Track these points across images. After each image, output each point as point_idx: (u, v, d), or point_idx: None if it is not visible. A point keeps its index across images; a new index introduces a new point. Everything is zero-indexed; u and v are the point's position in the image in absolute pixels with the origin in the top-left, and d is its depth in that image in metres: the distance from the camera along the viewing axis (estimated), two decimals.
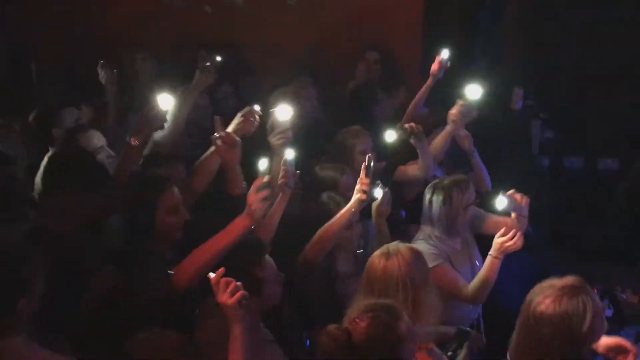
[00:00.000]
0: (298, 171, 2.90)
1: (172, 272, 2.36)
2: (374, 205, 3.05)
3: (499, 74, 4.87)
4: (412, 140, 3.52)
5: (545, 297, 1.99)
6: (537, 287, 2.06)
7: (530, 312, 2.02)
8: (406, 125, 3.50)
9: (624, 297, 4.71)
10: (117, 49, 4.78)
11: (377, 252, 2.40)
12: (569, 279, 2.03)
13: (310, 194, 3.16)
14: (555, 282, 2.02)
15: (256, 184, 2.40)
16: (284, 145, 3.00)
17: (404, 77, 5.05)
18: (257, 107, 3.00)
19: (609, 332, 4.14)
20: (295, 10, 5.20)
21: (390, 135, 3.64)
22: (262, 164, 2.65)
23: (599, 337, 2.02)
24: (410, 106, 4.12)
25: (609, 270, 4.82)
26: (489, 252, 2.85)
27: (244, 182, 2.87)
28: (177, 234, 2.53)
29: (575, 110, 5.21)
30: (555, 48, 5.09)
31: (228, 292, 2.00)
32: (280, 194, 2.85)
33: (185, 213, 2.53)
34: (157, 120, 2.94)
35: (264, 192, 2.37)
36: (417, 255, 2.39)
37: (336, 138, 3.69)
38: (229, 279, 2.02)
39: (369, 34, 5.25)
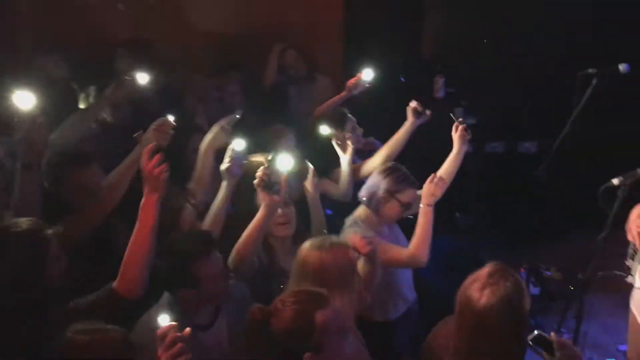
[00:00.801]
0: (245, 162, 2.88)
1: (114, 285, 2.29)
2: (308, 181, 3.06)
3: (420, 63, 4.94)
4: (336, 144, 3.49)
5: (479, 290, 1.99)
6: (463, 288, 2.05)
7: (472, 311, 2.00)
8: (342, 135, 3.48)
9: (549, 274, 4.92)
10: (23, 48, 4.45)
11: (307, 244, 2.38)
12: (488, 266, 2.06)
13: (244, 187, 3.04)
14: (479, 274, 2.04)
15: (146, 151, 2.32)
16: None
17: (327, 71, 5.01)
18: (170, 118, 2.94)
19: (538, 310, 4.28)
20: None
21: (325, 130, 3.55)
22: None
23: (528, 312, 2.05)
24: (321, 108, 4.09)
25: (534, 250, 5.01)
26: (420, 204, 2.92)
27: None
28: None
29: (495, 96, 5.33)
30: (474, 33, 5.15)
31: (170, 355, 1.87)
32: (225, 183, 2.83)
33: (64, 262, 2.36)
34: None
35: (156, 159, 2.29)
36: (344, 250, 2.38)
37: (261, 139, 3.62)
38: (175, 336, 1.90)
39: (289, 27, 5.16)
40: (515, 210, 5.01)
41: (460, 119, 3.32)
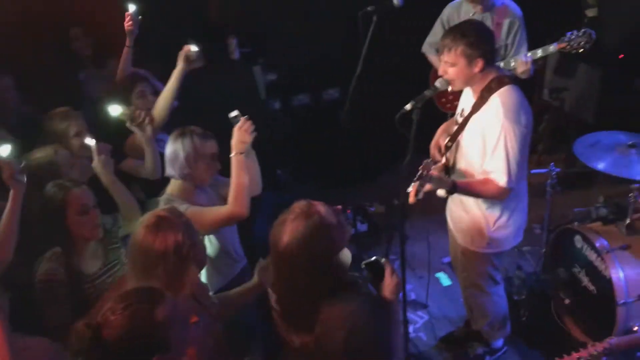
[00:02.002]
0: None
1: None
2: (95, 162, 2.89)
3: (209, 27, 4.78)
4: (132, 128, 3.30)
5: (283, 230, 2.05)
6: (273, 228, 2.10)
7: (277, 250, 2.06)
8: (130, 112, 3.28)
9: (373, 209, 5.18)
10: None
11: (141, 224, 2.20)
12: (294, 206, 2.11)
13: (30, 187, 2.74)
14: (285, 215, 2.09)
15: None
16: None
17: (113, 47, 4.64)
18: None
19: (370, 244, 4.44)
20: None
21: (115, 110, 3.30)
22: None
23: (341, 246, 2.13)
24: (119, 72, 3.89)
25: (357, 190, 5.23)
26: (231, 155, 2.83)
27: None
28: None
29: (292, 49, 5.35)
30: None
31: None
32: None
33: None
34: None
35: None
36: (186, 222, 2.27)
37: (45, 126, 3.29)
38: None
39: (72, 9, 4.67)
40: (332, 156, 5.16)
41: None
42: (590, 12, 5.53)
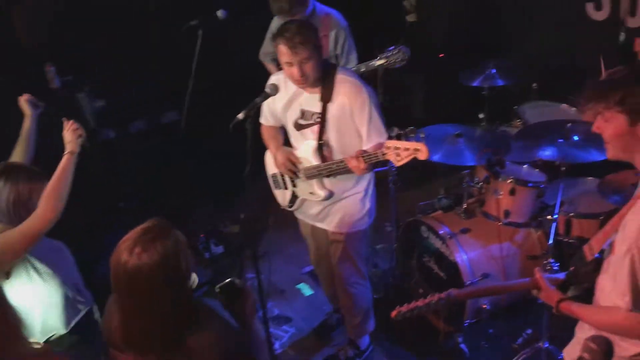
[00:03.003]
0: None
1: None
2: None
3: (21, 53, 4.37)
4: None
5: (129, 250, 1.85)
6: (116, 249, 1.89)
7: (122, 272, 1.86)
8: None
9: (227, 229, 5.04)
10: None
11: None
12: (145, 225, 1.91)
13: None
14: (132, 233, 1.89)
15: None
16: None
17: None
18: None
19: (228, 266, 4.28)
20: None
21: None
22: None
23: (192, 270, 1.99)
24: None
25: (211, 212, 5.06)
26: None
27: None
28: None
29: (124, 74, 5.06)
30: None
31: None
32: None
33: None
34: None
35: None
36: None
37: None
38: None
39: None
40: (178, 180, 4.95)
41: None
42: (411, 18, 5.90)
